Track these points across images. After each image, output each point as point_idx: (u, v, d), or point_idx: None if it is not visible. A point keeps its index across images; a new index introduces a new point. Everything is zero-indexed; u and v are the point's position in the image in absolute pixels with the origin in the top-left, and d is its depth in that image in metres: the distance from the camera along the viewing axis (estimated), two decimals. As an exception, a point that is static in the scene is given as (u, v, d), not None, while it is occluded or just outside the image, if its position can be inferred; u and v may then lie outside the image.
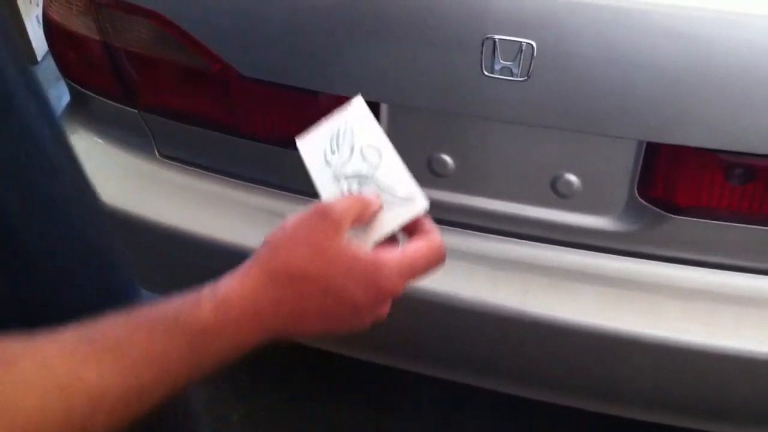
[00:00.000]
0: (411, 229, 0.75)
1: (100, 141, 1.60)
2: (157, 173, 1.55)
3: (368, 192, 0.79)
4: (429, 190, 1.36)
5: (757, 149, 1.16)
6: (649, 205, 1.29)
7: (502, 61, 1.14)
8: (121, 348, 0.56)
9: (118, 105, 1.50)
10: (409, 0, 1.18)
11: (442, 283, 1.36)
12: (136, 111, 1.49)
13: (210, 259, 1.51)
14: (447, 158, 1.34)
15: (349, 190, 0.81)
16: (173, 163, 1.55)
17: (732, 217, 1.26)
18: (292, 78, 1.30)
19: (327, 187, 0.83)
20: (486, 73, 1.16)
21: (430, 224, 0.75)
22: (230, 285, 0.63)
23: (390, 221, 0.78)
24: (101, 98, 1.52)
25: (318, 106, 1.35)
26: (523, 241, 1.40)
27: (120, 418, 0.55)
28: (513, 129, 1.28)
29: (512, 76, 1.15)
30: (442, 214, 1.41)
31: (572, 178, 1.30)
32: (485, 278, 1.37)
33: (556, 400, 1.54)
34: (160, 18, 1.30)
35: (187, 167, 1.54)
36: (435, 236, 0.73)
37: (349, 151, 0.85)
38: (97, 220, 0.78)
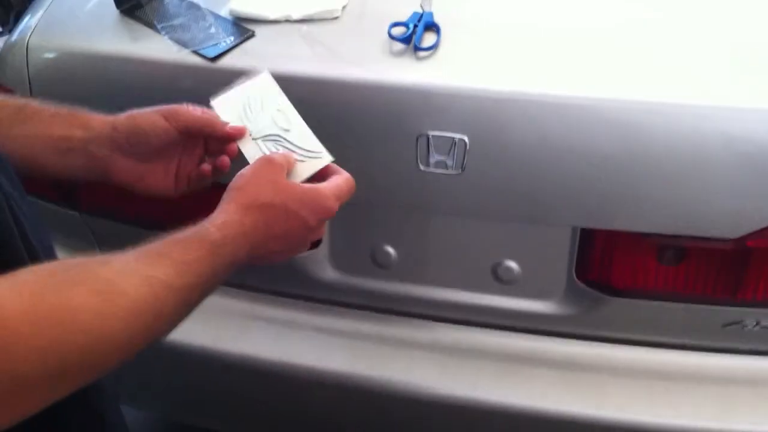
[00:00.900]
0: (326, 174, 0.96)
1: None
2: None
3: (285, 150, 0.98)
4: (373, 281, 1.40)
5: (687, 231, 1.20)
6: (588, 288, 1.31)
7: (436, 156, 1.18)
8: (169, 255, 0.74)
9: (58, 208, 1.50)
10: (346, 100, 1.22)
11: (390, 371, 1.37)
12: (77, 213, 1.49)
13: (153, 358, 1.50)
14: (390, 249, 1.37)
15: (268, 150, 0.99)
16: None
17: (667, 296, 1.29)
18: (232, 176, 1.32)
19: (248, 148, 0.99)
20: (422, 167, 1.19)
21: (339, 168, 0.97)
22: (219, 216, 0.82)
23: (306, 171, 0.97)
24: (40, 201, 1.51)
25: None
26: (469, 327, 1.41)
27: (176, 313, 0.74)
28: (451, 220, 1.32)
29: (447, 170, 1.19)
30: (387, 304, 1.43)
31: (512, 264, 1.33)
32: (432, 366, 1.37)
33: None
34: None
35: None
36: (347, 174, 0.96)
37: (262, 117, 1.01)
38: None
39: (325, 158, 0.99)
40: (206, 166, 0.99)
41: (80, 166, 0.94)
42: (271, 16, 1.26)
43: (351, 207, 1.33)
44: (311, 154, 0.99)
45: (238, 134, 0.98)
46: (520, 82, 1.16)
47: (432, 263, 1.38)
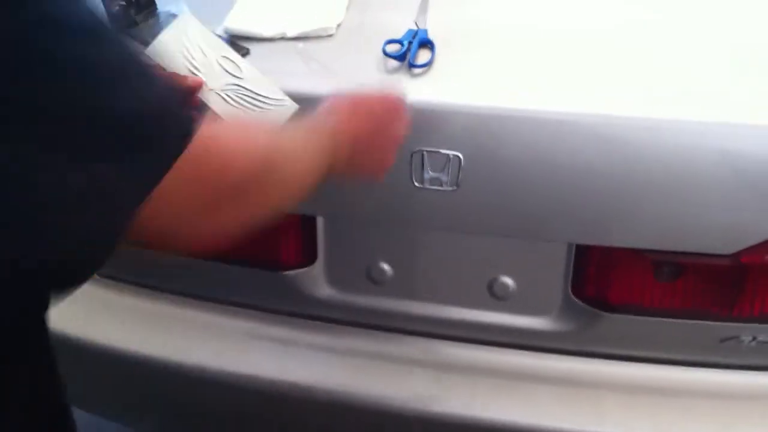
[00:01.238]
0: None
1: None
2: (97, 293, 1.54)
3: (245, 97, 1.03)
4: (369, 297, 1.40)
5: (682, 247, 1.20)
6: (584, 305, 1.31)
7: (431, 172, 1.18)
8: (305, 139, 0.88)
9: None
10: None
11: (386, 388, 1.37)
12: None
13: (151, 378, 1.50)
14: (385, 266, 1.36)
15: (231, 99, 1.02)
16: (113, 282, 1.54)
17: (664, 312, 1.29)
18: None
19: (208, 97, 1.02)
20: (416, 183, 1.19)
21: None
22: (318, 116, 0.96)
23: (275, 121, 1.01)
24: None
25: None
26: (465, 344, 1.41)
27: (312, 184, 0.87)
28: (447, 236, 1.31)
29: (442, 186, 1.19)
30: (382, 321, 1.42)
31: (508, 280, 1.33)
32: (428, 383, 1.37)
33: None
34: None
35: (127, 285, 1.53)
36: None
37: (209, 64, 1.03)
38: None
39: (290, 105, 1.03)
40: None
41: None
42: (266, 34, 1.27)
43: (346, 223, 1.34)
44: (274, 102, 1.03)
45: (198, 84, 1.01)
46: (514, 98, 1.16)
47: (427, 279, 1.38)
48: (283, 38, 1.27)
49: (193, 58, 1.03)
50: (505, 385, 1.37)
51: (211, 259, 1.41)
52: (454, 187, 1.18)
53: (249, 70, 1.04)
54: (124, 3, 1.30)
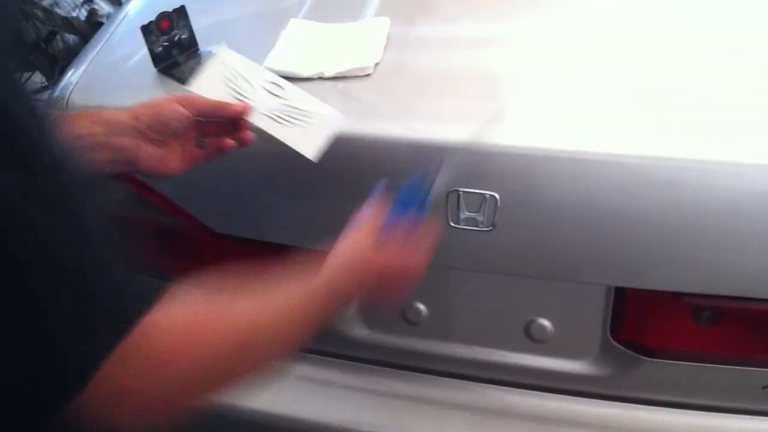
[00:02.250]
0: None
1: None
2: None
3: (292, 114, 1.11)
4: (404, 338, 1.39)
5: (722, 291, 1.18)
6: (624, 348, 1.29)
7: (467, 212, 1.17)
8: (296, 310, 0.85)
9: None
10: (379, 156, 1.22)
11: (420, 431, 1.35)
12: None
13: (182, 418, 1.49)
14: (420, 306, 1.36)
15: (279, 118, 1.10)
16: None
17: (704, 358, 1.26)
18: (263, 233, 1.33)
19: (259, 120, 1.09)
20: (452, 223, 1.19)
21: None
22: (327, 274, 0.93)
23: (320, 133, 1.09)
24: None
25: (288, 259, 1.37)
26: (501, 387, 1.39)
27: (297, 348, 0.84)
28: (483, 277, 1.30)
29: (477, 226, 1.18)
30: (418, 362, 1.41)
31: (545, 323, 1.31)
32: (464, 427, 1.35)
33: None
34: (135, 180, 1.33)
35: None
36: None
37: (255, 92, 1.11)
38: None
39: (335, 117, 1.11)
40: (230, 141, 1.09)
41: (106, 160, 1.01)
42: (305, 74, 1.28)
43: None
44: (320, 114, 1.11)
45: (246, 110, 1.09)
46: (552, 139, 1.16)
47: (463, 321, 1.37)
48: (321, 78, 1.28)
49: (238, 87, 1.11)
50: (542, 429, 1.34)
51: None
52: (490, 228, 1.18)
53: (292, 89, 1.12)
54: (167, 43, 1.32)
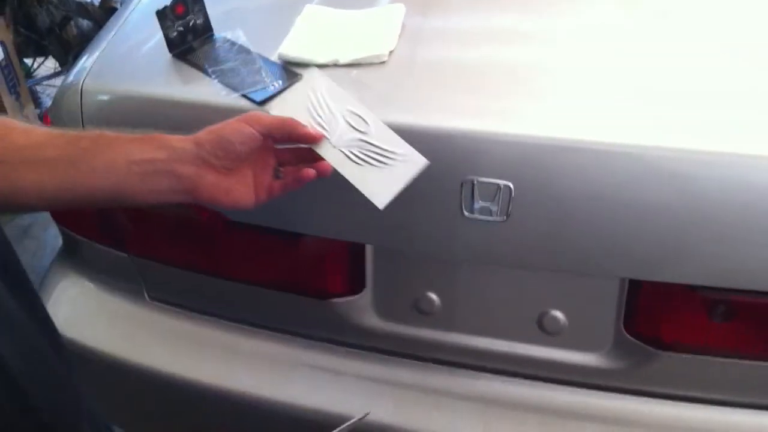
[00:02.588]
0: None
1: (91, 285, 1.61)
2: (146, 316, 1.55)
3: (370, 153, 1.00)
4: (416, 328, 1.38)
5: (739, 285, 1.16)
6: (637, 342, 1.28)
7: (480, 202, 1.16)
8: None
9: (109, 250, 1.52)
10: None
11: (432, 423, 1.35)
12: (126, 255, 1.50)
13: (196, 403, 1.50)
14: (433, 296, 1.35)
15: (354, 155, 1.00)
16: (163, 305, 1.55)
17: (720, 352, 1.25)
18: (278, 221, 1.32)
19: (331, 154, 1.00)
20: (466, 213, 1.18)
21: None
22: None
23: (401, 176, 0.98)
24: (92, 243, 1.53)
25: (304, 248, 1.37)
26: (513, 378, 1.38)
27: None
28: (496, 268, 1.29)
29: (491, 216, 1.17)
30: (429, 352, 1.41)
31: (558, 315, 1.30)
32: (475, 418, 1.35)
33: None
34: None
35: (177, 309, 1.54)
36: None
37: (335, 120, 1.01)
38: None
39: (418, 161, 0.99)
40: (310, 171, 1.02)
41: (165, 188, 0.94)
42: (320, 61, 1.27)
43: (395, 252, 1.33)
44: (401, 157, 1.00)
45: (318, 136, 1.01)
46: (568, 128, 1.14)
47: (476, 311, 1.36)
48: (336, 65, 1.27)
49: (319, 115, 1.04)
50: (553, 422, 1.34)
51: (259, 286, 1.41)
52: (504, 218, 1.17)
53: (377, 125, 1.02)
54: (182, 29, 1.32)
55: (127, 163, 0.92)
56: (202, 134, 0.96)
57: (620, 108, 1.18)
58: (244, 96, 1.22)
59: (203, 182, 0.96)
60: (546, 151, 1.13)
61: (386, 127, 1.00)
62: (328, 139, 1.00)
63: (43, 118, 1.45)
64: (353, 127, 1.01)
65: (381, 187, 1.00)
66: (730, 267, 1.15)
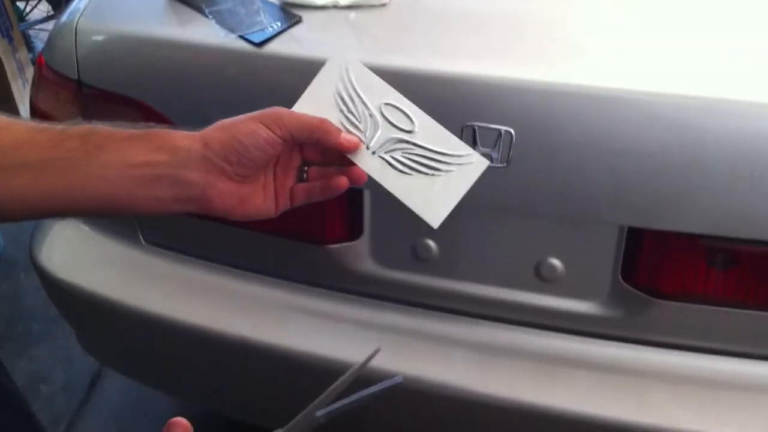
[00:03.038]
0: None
1: (86, 228, 1.60)
2: (142, 259, 1.54)
3: (417, 158, 0.81)
4: (413, 275, 1.38)
5: (739, 234, 1.16)
6: (634, 290, 1.28)
7: (481, 148, 1.15)
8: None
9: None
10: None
11: (427, 368, 1.35)
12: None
13: (193, 347, 1.50)
14: (431, 243, 1.34)
15: (396, 162, 0.81)
16: (158, 249, 1.55)
17: (717, 301, 1.25)
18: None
19: (366, 161, 0.81)
20: (466, 159, 1.17)
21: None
22: None
23: (460, 184, 0.80)
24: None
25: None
26: (509, 325, 1.39)
27: None
28: (495, 214, 1.29)
29: (492, 162, 1.16)
30: (426, 299, 1.41)
31: (556, 262, 1.30)
32: (470, 364, 1.35)
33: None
34: (147, 109, 1.31)
35: (173, 253, 1.54)
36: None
37: (370, 119, 0.82)
38: None
39: (479, 163, 0.81)
40: (342, 180, 0.85)
41: (169, 196, 0.79)
42: (319, 2, 1.25)
43: (393, 198, 1.32)
44: (457, 159, 0.81)
45: (354, 145, 0.83)
46: (570, 74, 1.13)
47: (473, 259, 1.36)
48: (335, 6, 1.25)
49: (351, 112, 0.84)
50: (548, 369, 1.34)
51: (255, 230, 1.40)
52: (505, 164, 1.16)
53: (422, 119, 0.82)
54: (178, -31, 1.30)
55: (123, 167, 0.77)
56: (212, 131, 0.80)
57: (623, 55, 1.17)
58: (242, 37, 1.21)
59: (214, 191, 0.80)
60: (548, 96, 1.12)
61: (435, 123, 0.82)
62: (363, 142, 0.82)
63: (37, 60, 1.43)
64: (394, 125, 0.82)
65: (433, 200, 0.83)
66: (730, 215, 1.15)
